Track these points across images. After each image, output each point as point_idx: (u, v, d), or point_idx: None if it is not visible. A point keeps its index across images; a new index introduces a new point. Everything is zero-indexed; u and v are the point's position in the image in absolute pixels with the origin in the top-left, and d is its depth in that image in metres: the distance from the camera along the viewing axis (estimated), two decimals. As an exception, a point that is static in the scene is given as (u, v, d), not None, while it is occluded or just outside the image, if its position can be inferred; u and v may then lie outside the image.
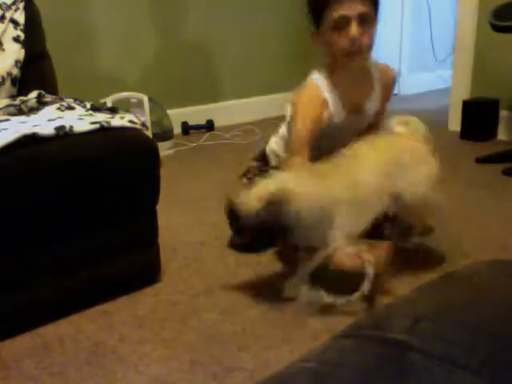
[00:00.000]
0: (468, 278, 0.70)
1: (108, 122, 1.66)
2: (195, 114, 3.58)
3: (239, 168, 2.08)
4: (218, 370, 1.38)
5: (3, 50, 1.98)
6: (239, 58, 3.73)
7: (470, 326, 0.57)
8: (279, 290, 1.74)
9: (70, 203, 1.56)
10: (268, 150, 2.05)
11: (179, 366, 1.40)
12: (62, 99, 1.89)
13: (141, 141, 1.70)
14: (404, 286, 1.70)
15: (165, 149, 3.03)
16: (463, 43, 3.38)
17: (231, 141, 3.38)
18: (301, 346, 1.46)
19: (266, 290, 1.75)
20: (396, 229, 1.81)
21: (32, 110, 1.82)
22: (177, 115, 3.41)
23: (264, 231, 1.58)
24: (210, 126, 3.58)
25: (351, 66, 1.81)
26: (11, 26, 2.01)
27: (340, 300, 1.56)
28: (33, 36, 2.07)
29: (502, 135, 3.30)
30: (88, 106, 1.84)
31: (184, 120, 3.52)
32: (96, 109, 1.81)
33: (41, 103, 1.85)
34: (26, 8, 2.06)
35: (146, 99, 2.98)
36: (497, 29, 2.68)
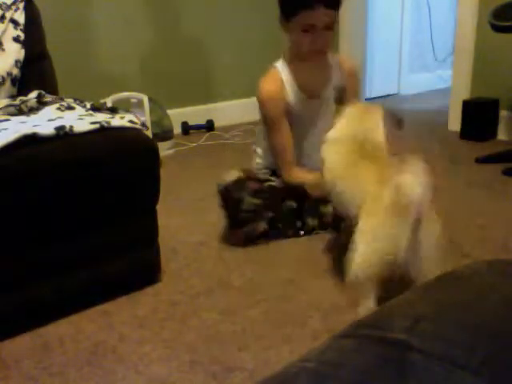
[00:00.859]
0: (468, 277, 0.70)
1: (108, 122, 1.66)
2: (195, 114, 3.58)
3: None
4: (218, 370, 1.38)
5: (3, 50, 1.98)
6: (239, 58, 3.73)
7: (469, 325, 0.57)
8: (279, 290, 1.74)
9: (70, 203, 1.56)
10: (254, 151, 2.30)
11: (179, 366, 1.40)
12: (62, 99, 1.89)
13: (141, 141, 1.70)
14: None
15: (165, 149, 3.03)
16: (463, 43, 3.38)
17: (231, 141, 3.38)
18: (301, 346, 1.46)
19: (267, 290, 1.75)
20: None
21: (32, 110, 1.82)
22: (177, 115, 3.41)
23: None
24: (210, 126, 3.58)
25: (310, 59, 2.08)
26: (11, 26, 2.01)
27: None
28: (33, 36, 2.07)
29: (501, 135, 3.30)
30: (88, 105, 1.84)
31: (184, 120, 3.52)
32: (96, 109, 1.81)
33: (41, 103, 1.85)
34: (25, 8, 2.06)
35: (146, 99, 2.98)
36: (497, 29, 2.67)
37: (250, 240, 2.04)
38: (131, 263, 1.73)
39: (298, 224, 2.11)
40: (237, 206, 2.01)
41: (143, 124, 1.78)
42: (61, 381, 1.36)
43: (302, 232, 2.10)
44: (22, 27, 2.03)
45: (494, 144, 3.20)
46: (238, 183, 2.04)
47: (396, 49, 4.67)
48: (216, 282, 1.81)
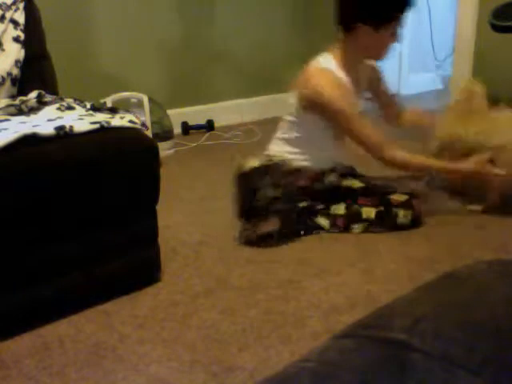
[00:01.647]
0: (468, 277, 0.70)
1: (108, 122, 1.66)
2: (195, 114, 3.58)
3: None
4: (218, 370, 1.38)
5: (3, 50, 1.98)
6: (239, 58, 3.73)
7: (469, 325, 0.57)
8: (279, 290, 1.74)
9: (70, 203, 1.56)
10: (271, 151, 2.18)
11: (179, 366, 1.40)
12: (62, 99, 1.89)
13: (141, 141, 1.70)
14: (404, 285, 1.70)
15: (165, 149, 3.03)
16: (463, 43, 3.38)
17: (231, 141, 3.38)
18: (301, 346, 1.46)
19: (267, 290, 1.75)
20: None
21: (32, 110, 1.82)
22: (177, 115, 3.40)
23: None
24: (210, 126, 3.57)
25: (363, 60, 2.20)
26: (11, 25, 2.01)
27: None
28: (33, 36, 2.07)
29: (501, 135, 3.30)
30: (88, 105, 1.84)
31: (184, 120, 3.52)
32: (96, 109, 1.81)
33: (41, 103, 1.85)
34: (25, 8, 2.06)
35: (146, 99, 2.98)
36: (497, 29, 2.68)
37: (263, 239, 2.01)
38: (131, 263, 1.73)
39: (309, 222, 2.10)
40: (253, 194, 1.97)
41: (143, 124, 1.78)
42: (61, 381, 1.36)
43: (302, 232, 2.10)
44: (21, 27, 2.03)
45: (494, 144, 3.19)
46: (259, 172, 2.00)
47: (396, 49, 4.66)
48: (216, 282, 1.81)
